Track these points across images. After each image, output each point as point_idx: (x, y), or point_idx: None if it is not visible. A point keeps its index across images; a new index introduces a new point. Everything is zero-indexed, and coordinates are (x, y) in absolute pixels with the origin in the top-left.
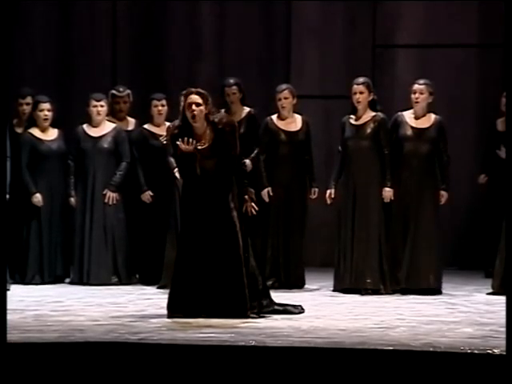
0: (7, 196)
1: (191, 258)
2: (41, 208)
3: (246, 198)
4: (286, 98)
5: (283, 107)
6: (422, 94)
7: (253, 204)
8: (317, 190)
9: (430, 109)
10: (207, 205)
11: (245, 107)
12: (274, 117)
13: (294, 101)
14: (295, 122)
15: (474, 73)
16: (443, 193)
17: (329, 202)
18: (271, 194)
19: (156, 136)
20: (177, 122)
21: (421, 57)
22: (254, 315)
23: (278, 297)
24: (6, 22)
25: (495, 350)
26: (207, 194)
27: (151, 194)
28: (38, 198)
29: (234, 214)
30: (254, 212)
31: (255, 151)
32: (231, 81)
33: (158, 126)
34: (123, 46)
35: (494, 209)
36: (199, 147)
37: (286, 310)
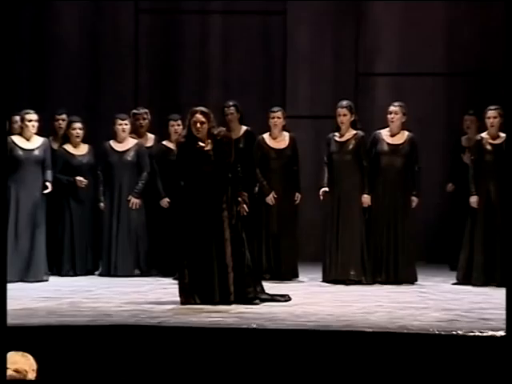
0: (50, 185)
1: (190, 251)
2: (73, 212)
3: (240, 200)
4: (278, 118)
5: (275, 125)
6: (396, 114)
7: (244, 206)
8: (299, 195)
9: (404, 127)
10: (204, 203)
11: (243, 126)
12: (266, 135)
13: (284, 121)
14: (284, 140)
15: (441, 97)
16: (414, 198)
17: (322, 197)
18: (275, 196)
19: (173, 151)
20: (184, 133)
21: (397, 84)
22: (255, 300)
23: (274, 287)
24: (40, 49)
25: (459, 332)
26: (205, 194)
27: (168, 200)
28: (79, 178)
29: (225, 213)
30: (245, 213)
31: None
32: (230, 103)
33: (174, 142)
34: (144, 74)
35: (458, 211)
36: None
37: (273, 298)
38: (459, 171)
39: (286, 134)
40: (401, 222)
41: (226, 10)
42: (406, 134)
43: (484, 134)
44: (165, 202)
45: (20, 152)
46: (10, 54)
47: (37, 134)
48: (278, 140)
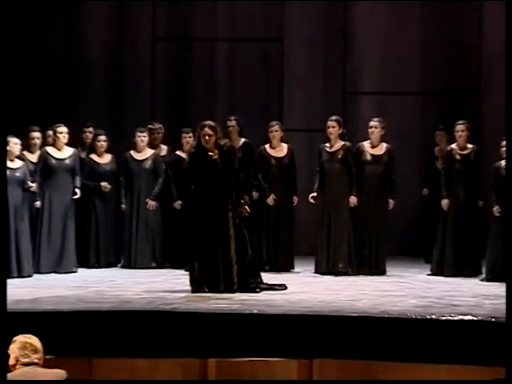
0: (79, 191)
1: (199, 246)
2: (99, 212)
3: (242, 202)
4: (276, 131)
5: (274, 137)
6: (376, 128)
7: (246, 207)
8: (297, 198)
9: (383, 139)
10: (212, 205)
11: (242, 138)
12: (267, 146)
13: (282, 133)
14: (282, 150)
15: (417, 113)
16: (391, 201)
17: (312, 200)
18: (275, 197)
19: (185, 160)
20: (194, 144)
21: (379, 101)
22: (256, 288)
23: (273, 278)
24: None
25: (433, 316)
26: (212, 197)
27: (180, 202)
28: (103, 183)
29: (230, 214)
30: (247, 214)
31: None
32: (231, 117)
33: (186, 152)
34: (160, 93)
35: (432, 212)
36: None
37: (272, 287)
38: (433, 178)
39: (285, 145)
40: (381, 222)
41: (231, 38)
42: (384, 145)
43: (453, 146)
44: (177, 204)
45: (53, 161)
46: (44, 76)
47: (67, 144)
48: (277, 150)
